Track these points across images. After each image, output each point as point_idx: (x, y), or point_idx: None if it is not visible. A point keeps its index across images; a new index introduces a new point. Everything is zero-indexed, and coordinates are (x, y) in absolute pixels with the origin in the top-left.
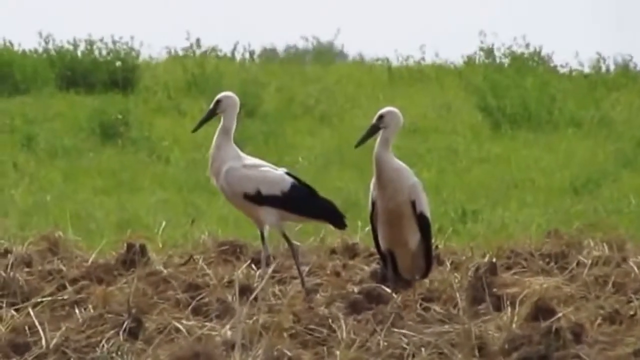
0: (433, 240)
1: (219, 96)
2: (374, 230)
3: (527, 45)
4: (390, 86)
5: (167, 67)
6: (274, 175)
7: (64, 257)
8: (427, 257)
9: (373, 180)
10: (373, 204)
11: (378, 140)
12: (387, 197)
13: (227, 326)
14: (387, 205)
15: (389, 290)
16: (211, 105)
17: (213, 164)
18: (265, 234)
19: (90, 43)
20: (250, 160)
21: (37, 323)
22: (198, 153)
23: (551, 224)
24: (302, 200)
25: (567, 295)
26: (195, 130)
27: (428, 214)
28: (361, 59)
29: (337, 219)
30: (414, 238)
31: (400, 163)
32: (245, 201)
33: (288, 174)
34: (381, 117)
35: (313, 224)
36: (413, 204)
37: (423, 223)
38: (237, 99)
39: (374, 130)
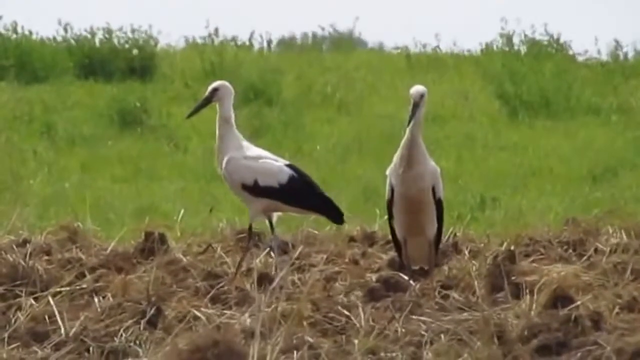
0: (452, 229)
1: (215, 84)
2: (391, 217)
3: (548, 33)
4: (409, 74)
5: (185, 56)
6: (272, 166)
7: (83, 246)
8: (436, 247)
9: (391, 166)
10: (392, 191)
11: (413, 120)
12: (410, 182)
13: (247, 314)
14: (407, 191)
15: (407, 278)
16: (207, 93)
17: (218, 154)
18: (274, 221)
19: (109, 32)
20: (252, 150)
21: (56, 312)
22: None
23: (569, 212)
24: (298, 193)
25: (586, 282)
26: (189, 116)
27: (444, 201)
28: (380, 46)
29: (334, 214)
30: (431, 226)
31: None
32: (243, 191)
33: (289, 166)
34: (422, 95)
35: (310, 216)
36: (433, 190)
37: (440, 210)
38: (232, 87)
39: (416, 109)
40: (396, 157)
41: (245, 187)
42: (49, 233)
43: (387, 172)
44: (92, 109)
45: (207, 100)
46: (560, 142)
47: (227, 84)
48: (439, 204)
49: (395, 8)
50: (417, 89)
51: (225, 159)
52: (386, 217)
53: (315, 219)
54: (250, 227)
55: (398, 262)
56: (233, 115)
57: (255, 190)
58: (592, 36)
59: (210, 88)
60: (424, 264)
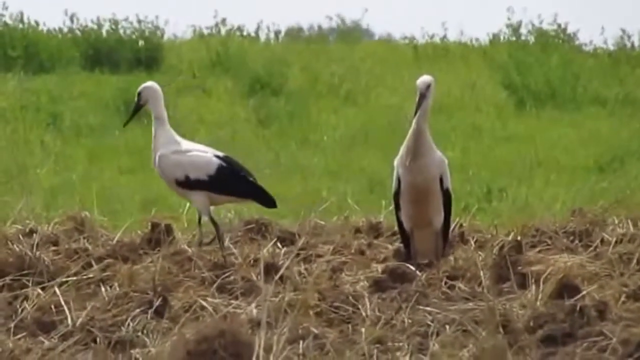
0: (458, 219)
1: (139, 88)
2: (398, 209)
3: (557, 24)
4: (416, 64)
5: (192, 46)
6: (201, 159)
7: (90, 236)
8: (445, 238)
9: (398, 157)
10: (399, 181)
11: (420, 111)
12: (416, 172)
13: (253, 304)
14: (414, 181)
15: (413, 268)
16: (135, 99)
17: (153, 152)
18: (204, 218)
19: (115, 22)
20: (182, 145)
21: (63, 302)
22: (222, 132)
23: (575, 202)
24: (229, 182)
25: (592, 273)
26: (125, 124)
27: (452, 191)
28: (388, 37)
29: (266, 199)
30: (438, 217)
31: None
32: (178, 187)
33: (218, 156)
34: (429, 86)
35: (244, 204)
36: (440, 180)
37: (447, 200)
38: (156, 86)
39: (423, 99)
40: (402, 148)
41: (178, 183)
42: (56, 223)
43: (395, 162)
44: (98, 100)
45: (137, 106)
46: (566, 133)
47: (151, 84)
48: (446, 194)
49: None
50: (423, 79)
51: (157, 156)
52: (392, 207)
53: (322, 210)
54: (212, 220)
55: (404, 253)
56: (164, 114)
57: (188, 184)
58: (599, 26)
59: (136, 93)
60: (431, 256)
